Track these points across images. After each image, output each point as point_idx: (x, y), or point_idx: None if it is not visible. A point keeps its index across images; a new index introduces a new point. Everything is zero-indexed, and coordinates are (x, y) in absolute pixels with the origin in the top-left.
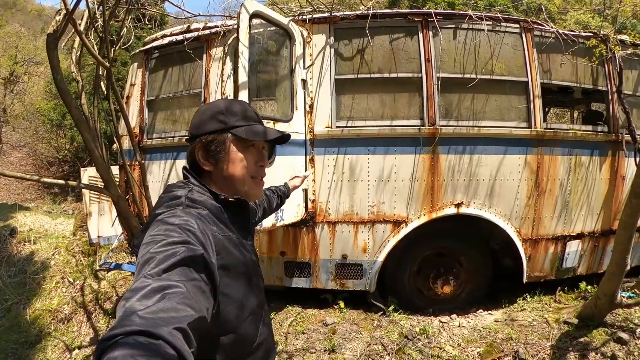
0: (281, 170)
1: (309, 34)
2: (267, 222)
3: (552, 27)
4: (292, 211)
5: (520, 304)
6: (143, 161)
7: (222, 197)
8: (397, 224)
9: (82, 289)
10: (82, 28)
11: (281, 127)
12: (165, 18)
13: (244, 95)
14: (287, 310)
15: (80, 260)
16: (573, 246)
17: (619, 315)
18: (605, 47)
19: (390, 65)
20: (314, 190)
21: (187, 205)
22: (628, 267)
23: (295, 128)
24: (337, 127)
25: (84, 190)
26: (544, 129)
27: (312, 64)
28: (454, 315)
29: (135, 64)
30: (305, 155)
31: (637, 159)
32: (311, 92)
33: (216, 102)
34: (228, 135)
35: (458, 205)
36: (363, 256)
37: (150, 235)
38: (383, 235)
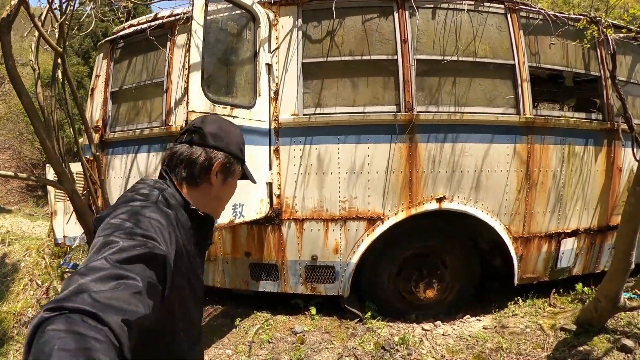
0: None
1: (275, 16)
2: (224, 219)
3: (539, 8)
4: (254, 207)
5: (511, 308)
6: (98, 154)
7: (193, 207)
8: (371, 221)
9: (47, 291)
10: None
11: (241, 114)
12: (140, 8)
13: (196, 78)
14: (254, 317)
15: (50, 262)
16: (568, 244)
17: (621, 319)
18: (597, 29)
19: (363, 47)
20: (279, 184)
21: (161, 203)
22: (632, 266)
23: (258, 116)
24: (305, 114)
25: (48, 187)
26: (534, 115)
27: (277, 48)
28: (439, 322)
29: (101, 54)
30: (270, 145)
31: (635, 150)
32: (276, 77)
33: (235, 125)
34: (240, 167)
35: (440, 200)
36: (335, 257)
37: (118, 217)
38: (356, 234)
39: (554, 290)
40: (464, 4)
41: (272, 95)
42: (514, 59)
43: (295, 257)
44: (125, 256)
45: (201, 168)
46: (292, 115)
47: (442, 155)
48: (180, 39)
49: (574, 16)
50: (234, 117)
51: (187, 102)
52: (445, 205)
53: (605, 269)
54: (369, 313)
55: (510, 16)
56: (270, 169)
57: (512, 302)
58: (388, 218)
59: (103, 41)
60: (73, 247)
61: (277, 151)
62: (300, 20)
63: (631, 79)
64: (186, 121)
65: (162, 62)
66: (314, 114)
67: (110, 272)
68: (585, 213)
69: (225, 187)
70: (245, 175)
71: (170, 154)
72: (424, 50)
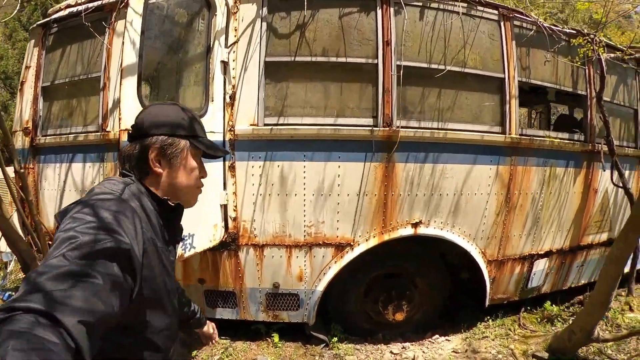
0: None
1: (235, 2)
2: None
3: (534, 18)
4: (206, 235)
5: (481, 329)
6: (21, 168)
7: (164, 198)
8: (340, 247)
9: None
10: None
11: None
12: None
13: (130, 83)
14: (212, 345)
15: None
16: (540, 265)
17: (591, 346)
18: (591, 47)
19: (339, 47)
20: (235, 206)
21: (126, 196)
22: (611, 304)
23: (210, 126)
24: (266, 124)
25: None
26: (519, 135)
27: (236, 42)
28: (407, 344)
29: (32, 41)
30: (224, 161)
31: (613, 173)
32: (233, 78)
33: (175, 105)
34: (187, 142)
35: (416, 225)
36: (299, 285)
37: (81, 212)
38: (323, 261)
39: (522, 309)
40: (458, 5)
41: (228, 100)
42: (504, 72)
43: (255, 285)
44: (85, 252)
45: (139, 159)
46: (250, 125)
47: (422, 176)
48: (121, 25)
49: (567, 30)
50: None
51: (120, 116)
52: (421, 230)
53: (573, 286)
54: (336, 338)
55: (504, 24)
56: (225, 188)
57: (482, 322)
58: (358, 244)
59: (34, 25)
60: (9, 269)
61: (232, 168)
62: (265, 9)
63: (614, 100)
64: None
65: (100, 53)
66: (277, 125)
67: (69, 270)
68: (559, 234)
69: (175, 170)
70: (205, 150)
71: (119, 155)
72: (409, 56)
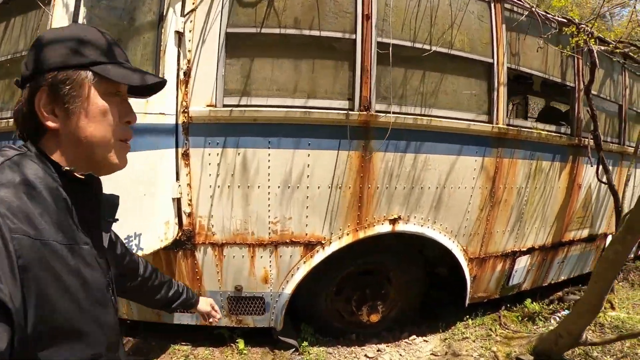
0: (133, 174)
1: None
2: None
3: (527, 2)
4: (156, 233)
5: (460, 329)
6: None
7: (67, 169)
8: (310, 246)
9: None
10: None
11: (137, 105)
12: None
13: None
14: (172, 352)
15: None
16: (522, 262)
17: (577, 348)
18: (583, 37)
19: (312, 18)
20: (190, 200)
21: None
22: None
23: (160, 107)
24: (225, 105)
25: None
26: (507, 125)
27: (194, 9)
28: (383, 346)
29: None
30: (176, 148)
31: (599, 169)
32: (189, 51)
33: (68, 27)
34: (88, 73)
35: (394, 221)
36: (264, 288)
37: None
38: (290, 261)
39: (503, 308)
40: None
41: (182, 77)
42: (492, 57)
43: (215, 288)
44: None
45: (27, 113)
46: (207, 106)
47: (402, 168)
48: None
49: (560, 19)
50: None
51: None
52: (400, 227)
53: (553, 282)
54: (305, 342)
55: (495, 5)
56: (178, 179)
57: (461, 322)
58: (330, 243)
59: None
60: None
61: (186, 155)
62: None
63: (600, 94)
64: None
65: (44, 23)
66: (239, 107)
67: None
68: (542, 230)
69: (80, 117)
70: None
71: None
72: (391, 32)
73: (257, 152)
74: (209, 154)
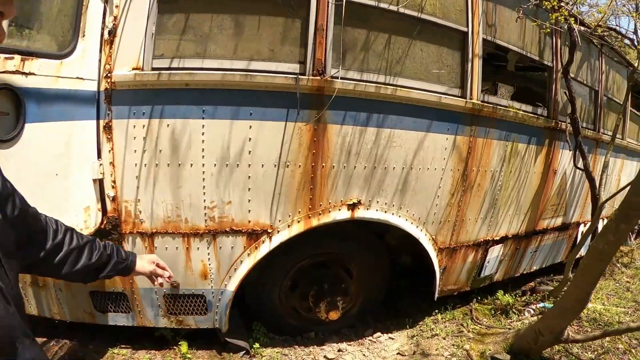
0: (42, 150)
1: None
2: None
3: None
4: (73, 222)
5: (429, 325)
6: None
7: None
8: (254, 236)
9: None
10: None
11: (45, 68)
12: None
13: None
14: (110, 355)
15: None
16: (495, 252)
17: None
18: (565, 12)
19: None
20: (114, 181)
21: None
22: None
23: (78, 70)
24: (154, 69)
25: None
26: (482, 102)
27: None
28: (345, 345)
29: None
30: (98, 119)
31: (576, 155)
32: (116, 6)
33: None
34: None
35: (353, 207)
36: (204, 284)
37: None
38: (232, 253)
39: (474, 300)
40: None
41: (107, 36)
42: (467, 26)
43: (148, 285)
44: None
45: None
46: (133, 69)
47: (362, 144)
48: None
49: None
50: (27, 73)
51: None
52: (360, 213)
53: (525, 272)
54: (257, 343)
55: None
56: (100, 157)
57: (429, 316)
58: (278, 232)
59: None
60: None
61: (108, 128)
62: None
63: (577, 78)
64: None
65: None
66: (169, 69)
67: None
68: (516, 218)
69: None
70: None
71: None
72: None
73: (189, 124)
74: (134, 126)
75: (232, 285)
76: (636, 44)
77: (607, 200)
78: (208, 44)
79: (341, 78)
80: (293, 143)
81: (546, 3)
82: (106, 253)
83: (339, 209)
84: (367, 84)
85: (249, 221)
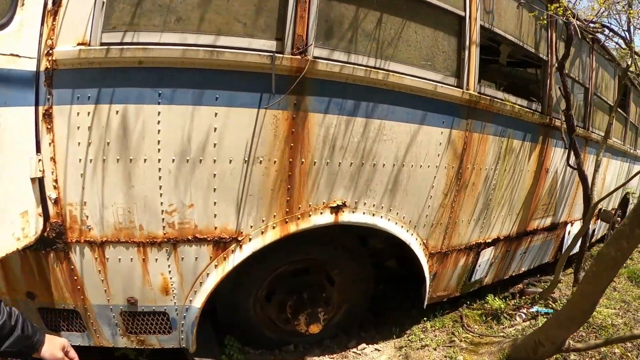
0: None
1: None
2: None
3: None
4: (8, 229)
5: (418, 334)
6: None
7: None
8: (221, 244)
9: None
10: None
11: None
12: None
13: None
14: None
15: None
16: (486, 255)
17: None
18: (564, 4)
19: None
20: (56, 180)
21: None
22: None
23: (12, 45)
24: (103, 44)
25: None
26: (478, 93)
27: None
28: (327, 359)
29: None
30: (37, 105)
31: (570, 153)
32: None
33: None
34: None
35: (337, 210)
36: (165, 300)
37: None
38: (196, 265)
39: (464, 306)
40: None
41: (51, 5)
42: (464, 10)
43: (102, 301)
44: None
45: None
46: (79, 44)
47: (349, 136)
48: None
49: None
50: None
51: None
52: (345, 217)
53: (514, 274)
54: None
55: None
56: (39, 151)
57: (417, 325)
58: (250, 239)
59: None
60: None
61: (48, 116)
62: None
63: (570, 73)
64: None
65: None
66: (121, 45)
67: None
68: (509, 219)
69: None
70: None
71: None
72: None
73: (143, 110)
74: (78, 114)
75: (198, 302)
76: (629, 42)
77: (600, 200)
78: (168, 15)
79: (325, 59)
80: (267, 134)
81: None
82: (10, 323)
83: (321, 213)
84: (356, 66)
85: (216, 227)
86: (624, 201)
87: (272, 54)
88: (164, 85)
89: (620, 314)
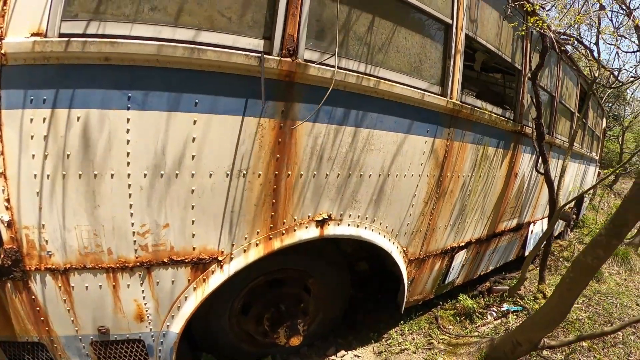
0: None
1: None
2: None
3: None
4: None
5: (396, 337)
6: None
7: None
8: (200, 265)
9: None
10: None
11: None
12: None
13: None
14: None
15: None
16: (459, 258)
17: None
18: (545, 17)
19: None
20: (8, 200)
21: None
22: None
23: None
24: (62, 35)
25: None
26: (461, 102)
27: None
28: None
29: None
30: None
31: (539, 159)
32: None
33: None
34: None
35: (322, 223)
36: (140, 327)
37: None
38: (173, 289)
39: (438, 307)
40: None
41: None
42: (452, 18)
43: (69, 332)
44: None
45: None
46: (33, 35)
47: (337, 146)
48: None
49: None
50: None
51: None
52: (331, 230)
53: (482, 274)
54: None
55: None
56: None
57: (394, 328)
58: (231, 258)
59: None
60: None
61: None
62: None
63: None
64: None
65: None
66: (83, 36)
67: None
68: (480, 222)
69: None
70: None
71: None
72: None
73: (109, 116)
74: (31, 120)
75: (177, 327)
76: (595, 55)
77: (565, 204)
78: (142, 3)
79: (316, 62)
80: (252, 145)
81: (527, 5)
82: None
83: (306, 227)
84: (348, 72)
85: (194, 248)
86: (579, 201)
87: (260, 54)
88: (135, 87)
89: (583, 308)
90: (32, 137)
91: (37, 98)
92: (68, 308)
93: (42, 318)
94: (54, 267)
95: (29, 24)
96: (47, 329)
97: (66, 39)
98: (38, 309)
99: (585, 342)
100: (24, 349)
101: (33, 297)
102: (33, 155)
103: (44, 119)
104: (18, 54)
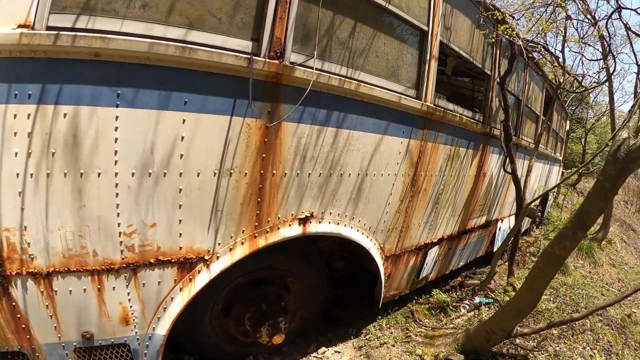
0: None
1: None
2: None
3: None
4: None
5: (375, 332)
6: None
7: None
8: (187, 265)
9: None
10: None
11: None
12: None
13: None
14: None
15: None
16: (432, 254)
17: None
18: (515, 26)
19: None
20: None
21: None
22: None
23: None
24: (50, 27)
25: None
26: (434, 105)
27: None
28: None
29: None
30: None
31: (506, 160)
32: None
33: None
34: None
35: (305, 221)
36: (125, 331)
37: None
38: (160, 289)
39: (413, 302)
40: None
41: None
42: (428, 25)
43: (52, 339)
44: None
45: None
46: (20, 27)
47: (319, 146)
48: None
49: (489, 2)
50: None
51: None
52: (312, 227)
53: (453, 269)
54: None
55: None
56: None
57: (372, 323)
58: (218, 257)
59: None
60: None
61: None
62: None
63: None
64: None
65: None
66: (73, 30)
67: None
68: (452, 219)
69: None
70: None
71: None
72: None
73: (97, 113)
74: (15, 116)
75: (163, 328)
76: (561, 61)
77: (531, 202)
78: (132, 1)
79: (301, 65)
80: (239, 144)
81: (498, 14)
82: None
83: (290, 225)
84: (331, 75)
85: (181, 248)
86: (544, 199)
87: (249, 55)
88: (124, 84)
89: (552, 299)
90: (15, 133)
91: (22, 93)
92: (50, 314)
93: (23, 326)
94: (36, 271)
95: (16, 15)
96: (28, 337)
97: (54, 32)
98: (19, 316)
99: (555, 330)
100: (3, 359)
101: (14, 303)
102: (16, 153)
103: (29, 115)
104: (3, 45)
